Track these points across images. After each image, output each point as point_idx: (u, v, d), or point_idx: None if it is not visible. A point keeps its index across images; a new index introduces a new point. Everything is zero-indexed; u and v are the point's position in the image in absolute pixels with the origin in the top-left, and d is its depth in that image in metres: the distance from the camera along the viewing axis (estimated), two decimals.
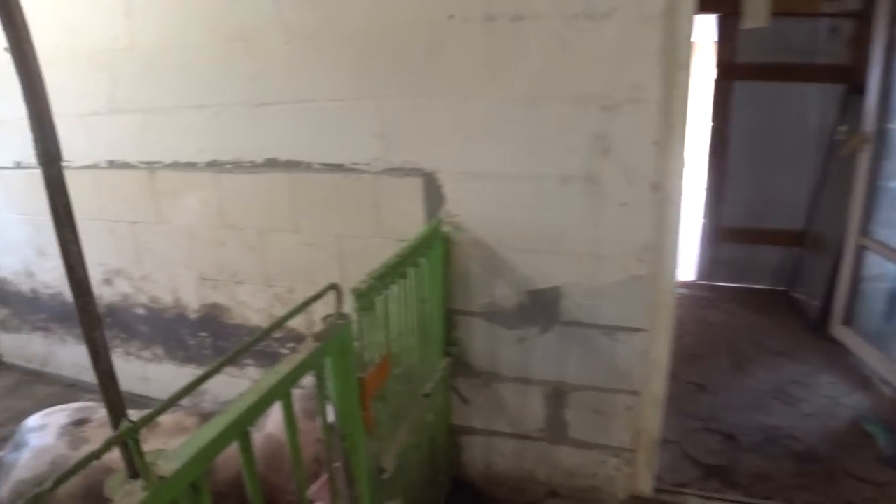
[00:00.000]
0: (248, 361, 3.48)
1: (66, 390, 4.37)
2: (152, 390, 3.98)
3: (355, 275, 2.90)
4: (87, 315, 1.02)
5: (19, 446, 2.34)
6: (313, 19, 2.61)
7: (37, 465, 2.22)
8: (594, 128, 2.29)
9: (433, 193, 2.61)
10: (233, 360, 1.21)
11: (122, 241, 3.60)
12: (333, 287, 1.46)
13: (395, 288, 2.02)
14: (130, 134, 3.27)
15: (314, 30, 2.63)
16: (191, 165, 3.16)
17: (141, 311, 3.76)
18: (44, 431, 2.34)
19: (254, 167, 2.99)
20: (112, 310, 3.89)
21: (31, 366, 4.60)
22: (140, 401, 4.02)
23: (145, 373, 3.95)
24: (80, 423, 2.36)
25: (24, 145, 3.62)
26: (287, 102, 2.80)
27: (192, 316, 3.57)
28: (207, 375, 1.13)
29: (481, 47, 2.36)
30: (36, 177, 3.78)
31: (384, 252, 2.71)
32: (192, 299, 3.52)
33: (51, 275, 4.07)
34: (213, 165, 3.10)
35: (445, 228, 2.60)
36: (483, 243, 2.58)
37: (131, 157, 3.33)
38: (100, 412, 2.46)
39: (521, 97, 2.36)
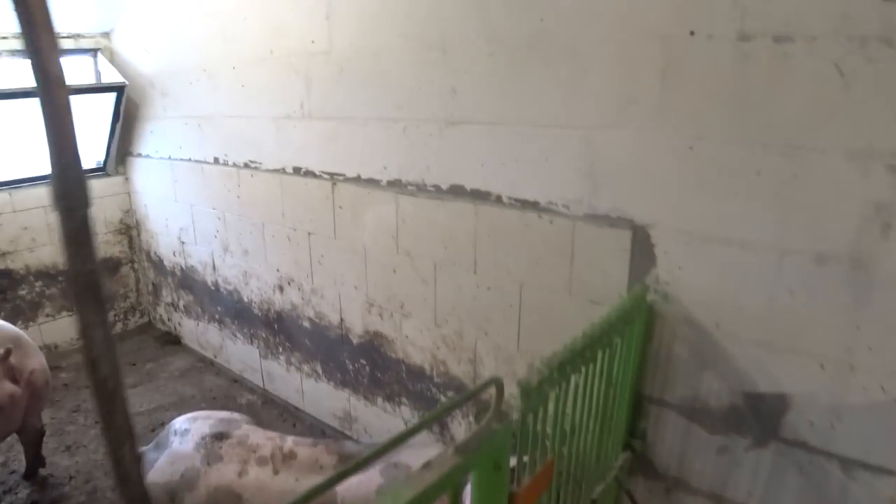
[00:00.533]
0: (403, 400, 3.19)
1: (231, 384, 4.42)
2: (307, 405, 3.88)
3: (533, 334, 2.53)
4: (113, 427, 0.69)
5: (161, 446, 2.51)
6: (522, 29, 2.25)
7: (170, 471, 2.36)
8: (874, 194, 1.68)
9: (642, 252, 2.12)
10: (401, 442, 0.94)
11: (297, 250, 3.50)
12: (494, 382, 1.05)
13: (576, 377, 1.55)
14: (317, 142, 3.15)
15: (521, 42, 2.26)
16: (373, 182, 2.94)
17: (306, 324, 3.64)
18: (185, 437, 2.46)
19: (437, 192, 2.69)
20: (280, 316, 3.82)
21: (205, 353, 4.76)
22: (296, 413, 3.94)
23: (302, 386, 3.83)
24: (219, 436, 2.44)
25: (223, 142, 3.66)
26: (482, 123, 2.46)
27: (355, 340, 3.36)
28: (362, 464, 0.85)
29: (728, 74, 1.84)
30: (229, 174, 3.74)
31: (571, 313, 2.32)
32: (357, 323, 3.31)
33: (231, 272, 4.10)
34: (395, 185, 2.84)
35: (651, 297, 2.10)
36: (696, 322, 2.04)
37: (315, 166, 3.21)
38: (242, 428, 2.52)
39: (773, 143, 1.80)
